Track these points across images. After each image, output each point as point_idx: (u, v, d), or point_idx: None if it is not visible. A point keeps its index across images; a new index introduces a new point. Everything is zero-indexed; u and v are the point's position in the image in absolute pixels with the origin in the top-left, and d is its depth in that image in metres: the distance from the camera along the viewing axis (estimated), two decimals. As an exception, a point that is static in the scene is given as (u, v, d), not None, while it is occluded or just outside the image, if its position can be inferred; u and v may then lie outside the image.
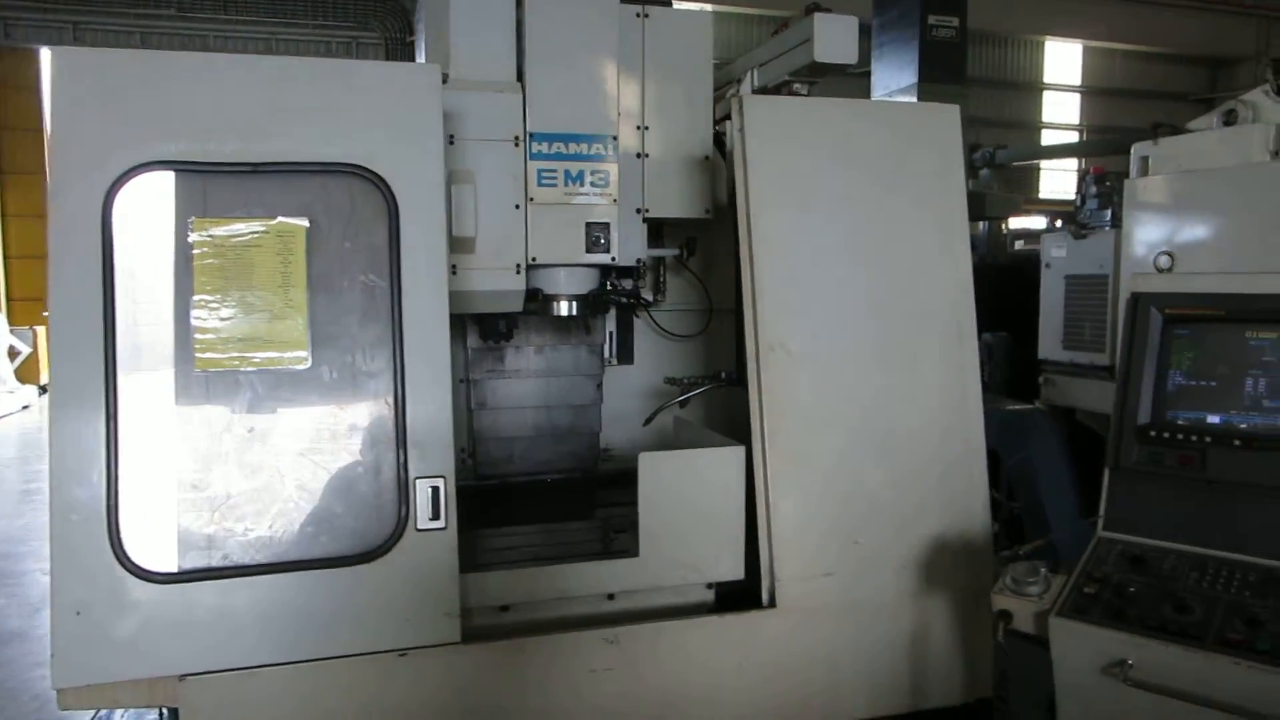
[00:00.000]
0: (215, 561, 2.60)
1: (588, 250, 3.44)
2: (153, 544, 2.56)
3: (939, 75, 7.73)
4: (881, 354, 3.12)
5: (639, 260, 3.69)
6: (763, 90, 3.56)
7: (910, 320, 3.16)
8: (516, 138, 3.31)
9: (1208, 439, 2.49)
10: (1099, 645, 2.32)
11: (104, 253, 2.55)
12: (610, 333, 4.18)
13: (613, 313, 4.08)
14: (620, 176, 3.54)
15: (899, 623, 3.10)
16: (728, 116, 3.10)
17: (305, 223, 2.69)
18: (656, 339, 4.17)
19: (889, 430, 3.10)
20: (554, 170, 3.37)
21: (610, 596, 3.07)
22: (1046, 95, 22.25)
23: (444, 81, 2.93)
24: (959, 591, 3.12)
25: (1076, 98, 22.61)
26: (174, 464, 2.59)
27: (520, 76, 3.35)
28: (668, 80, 3.61)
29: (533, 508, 3.83)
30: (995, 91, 20.69)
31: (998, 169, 9.61)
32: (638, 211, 3.63)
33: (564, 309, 3.58)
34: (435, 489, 2.73)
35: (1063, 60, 22.29)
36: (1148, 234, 4.43)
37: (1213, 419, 2.52)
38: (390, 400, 2.73)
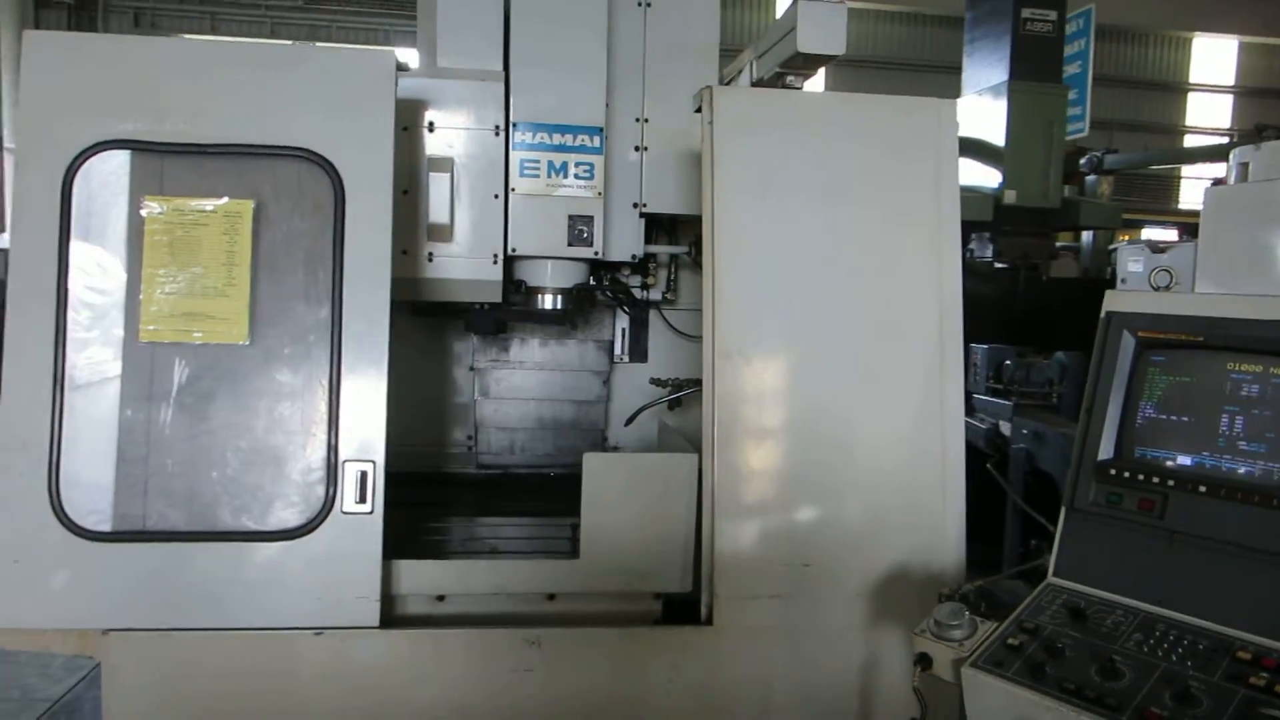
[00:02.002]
0: (146, 525, 2.67)
1: (570, 243, 3.38)
2: (89, 503, 2.65)
3: (1033, 72, 7.22)
4: (849, 366, 2.92)
5: (634, 256, 3.60)
6: (759, 83, 3.40)
7: (885, 331, 2.94)
8: (497, 127, 3.28)
9: (1170, 482, 2.21)
10: (1010, 703, 2.09)
11: (61, 227, 2.65)
12: (623, 330, 4.11)
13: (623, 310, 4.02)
14: (614, 170, 3.46)
15: (848, 654, 2.90)
16: (700, 109, 2.96)
17: (251, 203, 2.73)
18: (673, 336, 4.07)
19: (851, 448, 2.90)
20: (537, 160, 3.33)
21: (551, 597, 3.00)
22: (1192, 96, 20.63)
23: (407, 69, 2.92)
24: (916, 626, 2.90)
25: (1229, 99, 20.86)
26: (115, 430, 2.68)
27: (507, 65, 3.32)
28: (670, 71, 3.51)
29: (522, 500, 3.80)
30: (1131, 92, 19.32)
31: (1107, 175, 8.98)
32: (635, 206, 3.54)
33: (548, 302, 3.54)
34: (363, 473, 2.73)
35: (1213, 58, 20.57)
36: (1210, 249, 4.03)
37: (1182, 460, 2.24)
38: (325, 382, 2.73)
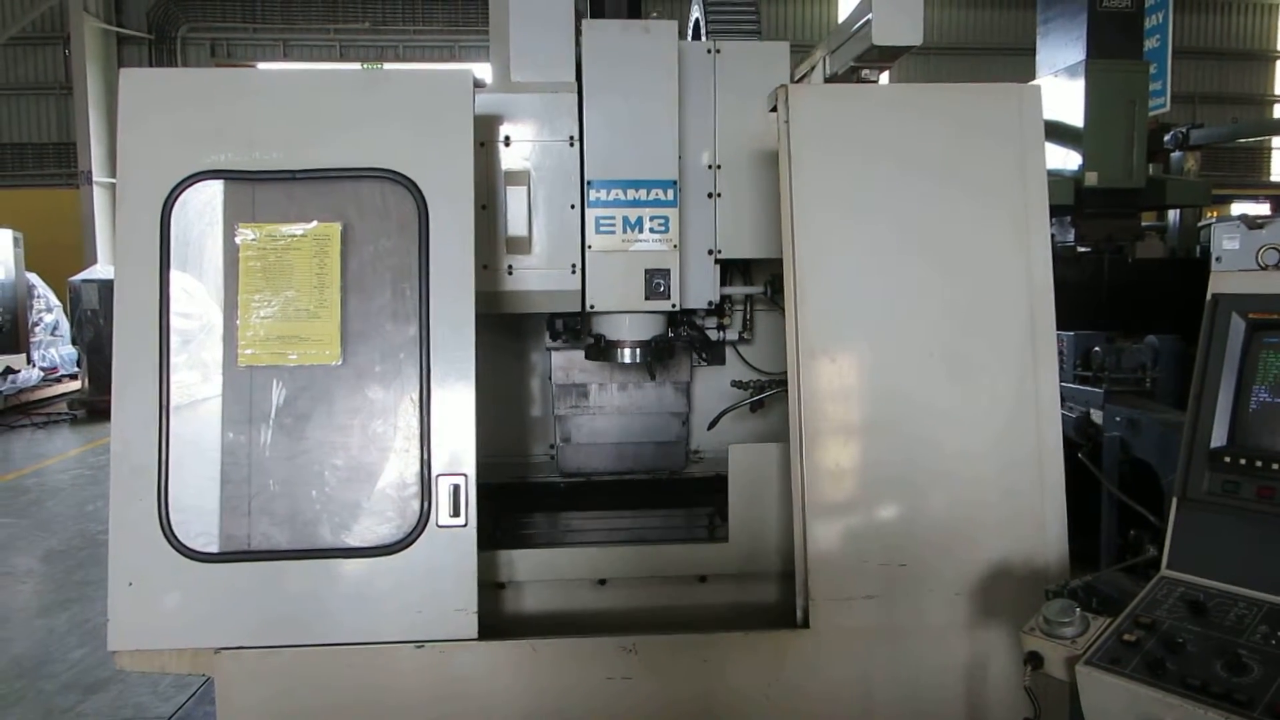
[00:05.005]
0: (250, 545, 2.75)
1: (647, 297, 3.35)
2: (196, 525, 2.74)
3: (1112, 50, 6.96)
4: (938, 360, 2.85)
5: (711, 302, 3.55)
6: (833, 79, 3.36)
7: (974, 323, 2.87)
8: (571, 137, 3.29)
9: (1291, 469, 2.11)
10: (1130, 701, 2.01)
11: (161, 257, 2.75)
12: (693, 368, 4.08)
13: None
14: (689, 218, 3.43)
15: (951, 654, 2.83)
16: (775, 108, 2.93)
17: (339, 225, 2.80)
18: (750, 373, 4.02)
19: (943, 443, 2.84)
20: (612, 217, 3.31)
21: (702, 580, 3.07)
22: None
23: (483, 86, 2.95)
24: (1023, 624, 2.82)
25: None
26: (218, 452, 2.77)
27: (579, 76, 3.33)
28: (742, 117, 3.44)
29: (620, 497, 3.79)
30: (1215, 63, 18.54)
31: (1193, 150, 8.63)
32: (709, 253, 3.51)
33: (627, 356, 3.51)
34: (456, 486, 2.77)
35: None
36: (1315, 224, 3.83)
37: (1302, 445, 2.14)
38: (415, 398, 2.78)
